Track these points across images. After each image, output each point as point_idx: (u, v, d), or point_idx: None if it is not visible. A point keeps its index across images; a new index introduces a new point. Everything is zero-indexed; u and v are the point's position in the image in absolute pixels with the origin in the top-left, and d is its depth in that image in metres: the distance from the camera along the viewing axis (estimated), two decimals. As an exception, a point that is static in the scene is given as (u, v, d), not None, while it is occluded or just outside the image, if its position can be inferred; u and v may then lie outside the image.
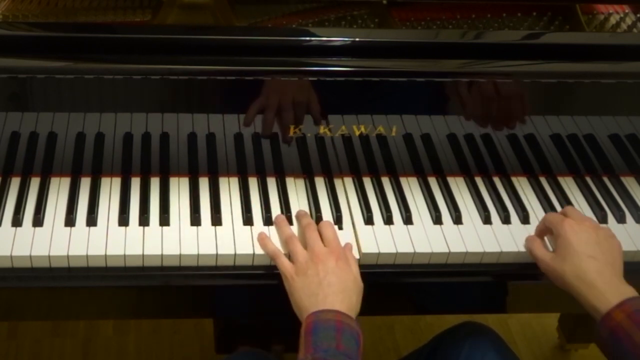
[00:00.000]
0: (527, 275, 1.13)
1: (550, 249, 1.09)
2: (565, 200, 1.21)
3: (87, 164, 1.16)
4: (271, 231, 1.11)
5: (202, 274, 1.07)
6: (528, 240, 1.10)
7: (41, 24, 1.15)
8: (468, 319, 1.28)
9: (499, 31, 1.23)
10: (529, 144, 1.24)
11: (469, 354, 1.17)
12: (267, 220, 1.12)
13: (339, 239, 1.07)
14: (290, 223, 1.12)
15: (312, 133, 1.17)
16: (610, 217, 1.20)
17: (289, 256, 1.06)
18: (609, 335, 0.94)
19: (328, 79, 1.11)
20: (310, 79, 1.11)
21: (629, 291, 0.96)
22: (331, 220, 1.13)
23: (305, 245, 1.05)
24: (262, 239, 1.08)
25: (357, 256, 1.08)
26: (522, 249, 1.11)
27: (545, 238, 1.11)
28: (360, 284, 1.03)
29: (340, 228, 1.12)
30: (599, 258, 0.99)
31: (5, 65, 1.05)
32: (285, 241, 1.08)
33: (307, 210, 1.15)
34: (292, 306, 1.02)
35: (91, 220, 1.09)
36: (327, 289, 0.99)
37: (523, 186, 1.24)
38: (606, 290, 0.96)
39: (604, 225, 1.08)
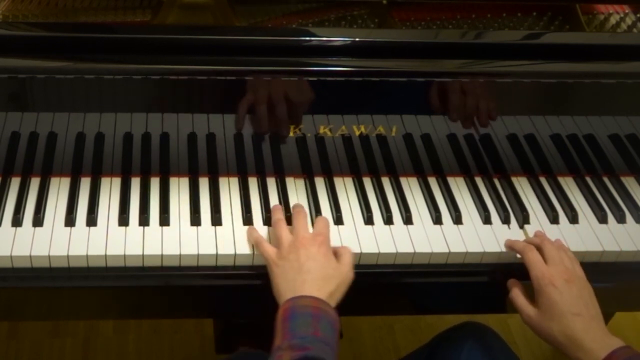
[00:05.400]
0: (527, 275, 1.13)
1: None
2: (565, 200, 1.21)
3: (87, 164, 1.16)
4: (271, 231, 1.11)
5: (202, 274, 1.07)
6: (511, 287, 1.08)
7: (41, 24, 1.15)
8: (468, 319, 1.28)
9: (499, 31, 1.23)
10: (529, 144, 1.24)
11: (469, 354, 1.17)
12: (267, 220, 1.12)
13: (328, 230, 1.07)
14: (290, 224, 1.11)
15: (312, 133, 1.17)
16: (610, 217, 1.20)
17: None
18: None
19: (328, 79, 1.11)
20: (310, 79, 1.11)
21: (614, 342, 0.97)
22: (331, 220, 1.13)
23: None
24: (250, 230, 1.09)
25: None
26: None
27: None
28: (344, 275, 1.02)
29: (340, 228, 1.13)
30: (584, 314, 1.00)
31: (5, 65, 1.05)
32: (274, 224, 1.08)
33: (307, 210, 1.15)
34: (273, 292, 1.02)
35: (91, 220, 1.09)
36: (305, 274, 0.99)
37: (523, 186, 1.24)
38: (594, 347, 0.97)
39: (571, 258, 1.08)
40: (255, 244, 1.07)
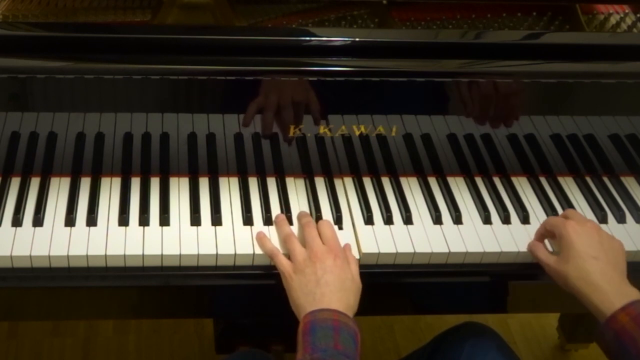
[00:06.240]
0: (527, 275, 1.13)
1: (551, 249, 1.09)
2: (565, 200, 1.21)
3: (87, 164, 1.16)
4: (271, 231, 1.11)
5: (202, 274, 1.07)
6: (531, 245, 1.10)
7: (41, 24, 1.15)
8: (468, 319, 1.28)
9: (499, 31, 1.23)
10: (529, 144, 1.24)
11: (470, 355, 1.17)
12: (267, 220, 1.12)
13: (338, 238, 1.07)
14: (291, 223, 1.12)
15: (312, 133, 1.17)
16: (610, 217, 1.20)
17: (289, 255, 1.06)
18: (613, 338, 0.93)
19: (328, 79, 1.11)
20: (310, 79, 1.11)
21: (633, 293, 0.96)
22: (331, 220, 1.13)
23: (304, 244, 1.06)
24: (261, 238, 1.08)
25: (357, 256, 1.09)
26: (522, 249, 1.11)
27: (546, 241, 1.11)
28: (358, 283, 1.03)
29: (340, 228, 1.13)
30: (602, 258, 0.99)
31: (5, 65, 1.05)
32: (284, 240, 1.08)
33: (307, 210, 1.15)
34: (290, 305, 1.02)
35: (91, 220, 1.09)
36: (324, 287, 0.99)
37: (523, 186, 1.24)
38: (610, 291, 0.95)
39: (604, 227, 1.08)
40: (269, 255, 1.06)
